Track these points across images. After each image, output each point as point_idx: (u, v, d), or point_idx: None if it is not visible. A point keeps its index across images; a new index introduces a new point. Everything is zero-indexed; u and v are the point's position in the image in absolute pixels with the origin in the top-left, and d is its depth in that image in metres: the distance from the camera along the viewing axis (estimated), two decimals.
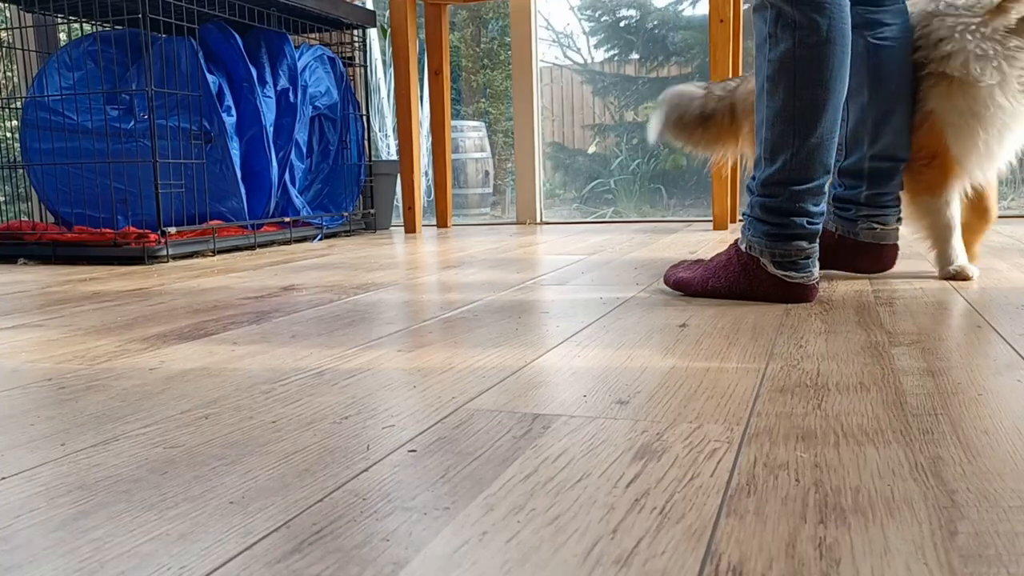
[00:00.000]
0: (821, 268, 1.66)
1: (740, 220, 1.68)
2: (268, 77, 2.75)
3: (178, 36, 2.51)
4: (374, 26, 3.41)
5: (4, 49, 2.95)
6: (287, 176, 2.86)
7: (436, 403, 0.83)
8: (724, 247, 2.27)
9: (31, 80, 2.81)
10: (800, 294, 1.36)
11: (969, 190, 1.59)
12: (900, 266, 1.77)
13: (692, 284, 1.46)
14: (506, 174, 5.18)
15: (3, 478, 0.66)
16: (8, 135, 3.23)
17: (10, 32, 2.97)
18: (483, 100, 5.44)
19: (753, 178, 1.41)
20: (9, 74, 3.52)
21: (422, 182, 3.47)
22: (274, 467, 0.67)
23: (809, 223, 1.34)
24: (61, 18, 2.83)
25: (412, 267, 2.03)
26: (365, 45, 3.51)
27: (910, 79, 1.56)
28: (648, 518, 0.55)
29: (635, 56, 4.88)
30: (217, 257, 2.46)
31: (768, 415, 0.76)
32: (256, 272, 2.03)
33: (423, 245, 2.68)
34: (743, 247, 1.40)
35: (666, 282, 1.54)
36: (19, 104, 2.72)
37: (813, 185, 1.33)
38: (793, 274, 1.35)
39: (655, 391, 0.85)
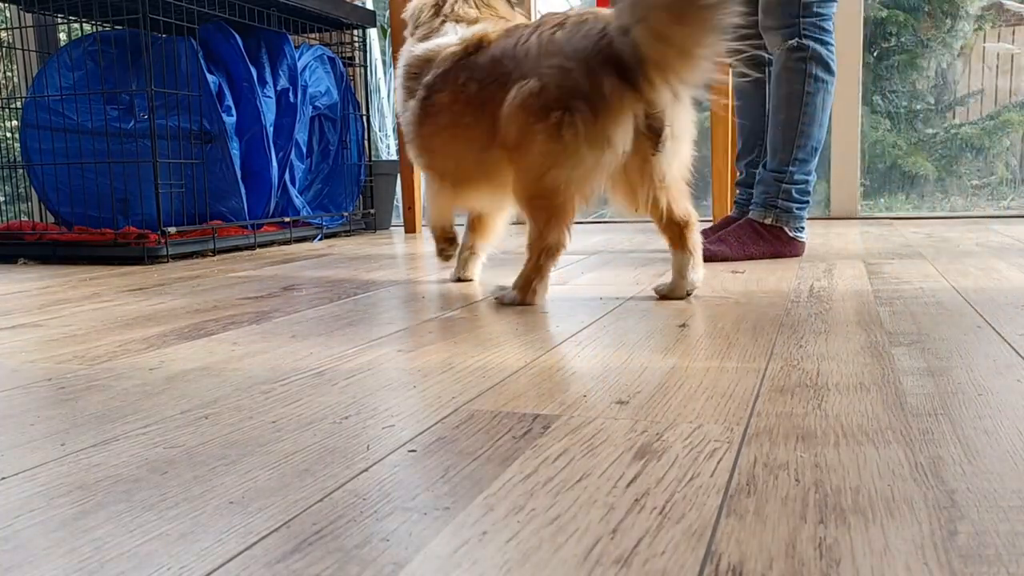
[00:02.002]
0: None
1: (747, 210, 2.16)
2: (268, 77, 2.75)
3: (178, 36, 2.51)
4: (374, 26, 3.41)
5: (4, 49, 2.95)
6: (287, 176, 2.86)
7: (436, 403, 0.83)
8: None
9: (31, 80, 2.81)
10: (802, 249, 2.01)
11: None
12: (900, 267, 1.77)
13: (728, 255, 1.93)
14: None
15: (3, 478, 0.66)
16: (8, 135, 3.23)
17: (10, 32, 2.97)
18: None
19: (779, 171, 1.97)
20: (9, 74, 3.53)
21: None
22: (274, 467, 0.67)
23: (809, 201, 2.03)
24: (61, 18, 2.83)
25: (412, 267, 2.03)
26: (365, 45, 3.51)
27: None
28: (648, 518, 0.55)
29: None
30: (217, 257, 2.46)
31: (768, 415, 0.76)
32: (256, 272, 2.03)
33: (423, 245, 2.68)
34: (768, 221, 1.98)
35: None
36: (19, 104, 2.72)
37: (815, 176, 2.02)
38: (802, 235, 2.00)
39: (655, 391, 0.85)
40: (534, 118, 1.33)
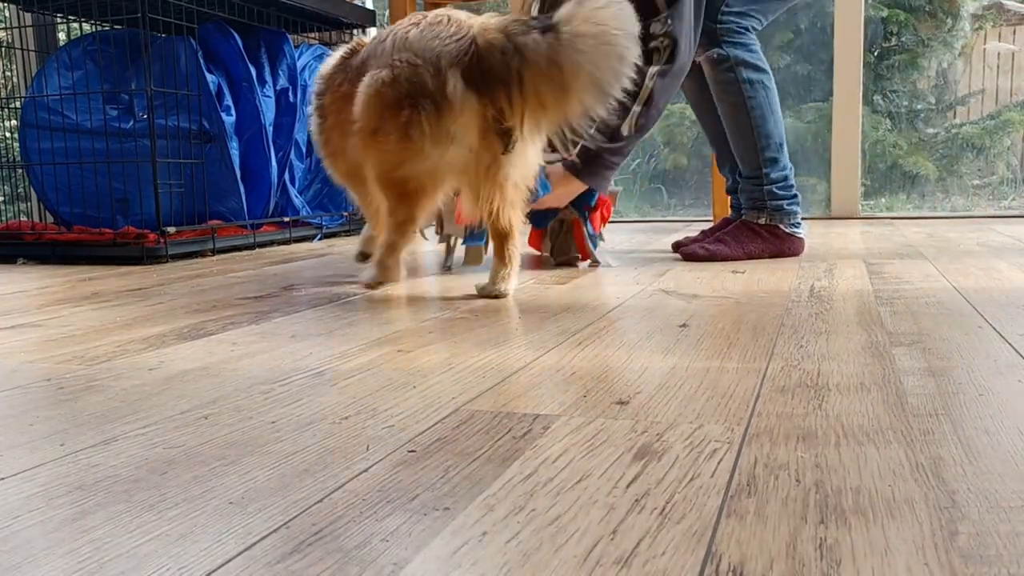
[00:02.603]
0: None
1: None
2: (267, 76, 2.75)
3: (178, 36, 2.51)
4: (374, 26, 3.41)
5: (4, 49, 2.95)
6: (287, 176, 2.86)
7: (436, 403, 0.83)
8: None
9: (30, 80, 2.80)
10: (801, 246, 2.01)
11: None
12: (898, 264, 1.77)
13: (728, 255, 1.95)
14: None
15: (2, 478, 0.66)
16: (7, 135, 3.23)
17: (9, 32, 2.96)
18: None
19: (755, 176, 1.98)
20: (8, 74, 3.52)
21: None
22: (274, 467, 0.67)
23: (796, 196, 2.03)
24: (60, 18, 2.82)
25: (412, 267, 2.03)
26: None
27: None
28: (648, 519, 0.55)
29: None
30: (216, 257, 2.46)
31: (769, 415, 0.76)
32: (256, 272, 2.03)
33: (422, 245, 2.67)
34: (763, 220, 1.98)
35: (691, 257, 1.95)
36: (18, 104, 2.72)
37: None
38: (799, 231, 2.00)
39: (655, 391, 0.85)
40: (389, 111, 1.40)
